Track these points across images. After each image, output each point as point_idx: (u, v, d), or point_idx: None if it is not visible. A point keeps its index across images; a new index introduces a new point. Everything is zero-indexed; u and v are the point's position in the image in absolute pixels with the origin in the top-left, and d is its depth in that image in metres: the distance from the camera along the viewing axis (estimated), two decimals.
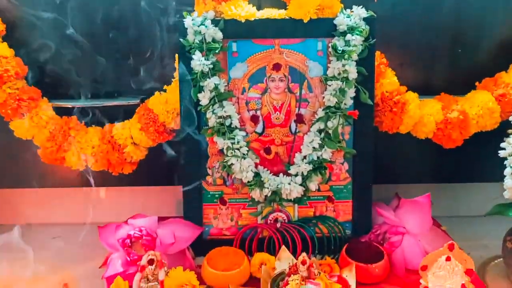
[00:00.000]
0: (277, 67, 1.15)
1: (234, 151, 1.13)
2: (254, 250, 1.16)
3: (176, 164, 1.18)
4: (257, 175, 1.15)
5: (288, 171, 1.17)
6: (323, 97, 1.14)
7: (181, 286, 1.01)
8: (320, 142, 1.15)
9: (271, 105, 1.17)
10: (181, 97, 1.13)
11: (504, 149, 1.11)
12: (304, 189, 1.16)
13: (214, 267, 1.07)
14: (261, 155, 1.18)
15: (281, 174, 1.17)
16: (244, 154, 1.14)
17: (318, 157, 1.15)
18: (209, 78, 1.10)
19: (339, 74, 1.12)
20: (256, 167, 1.16)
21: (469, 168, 1.37)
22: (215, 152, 1.17)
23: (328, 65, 1.14)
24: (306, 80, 1.15)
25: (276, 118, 1.17)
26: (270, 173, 1.17)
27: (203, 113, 1.13)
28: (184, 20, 1.10)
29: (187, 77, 1.10)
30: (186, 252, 1.12)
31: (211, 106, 1.12)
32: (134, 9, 1.21)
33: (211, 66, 1.10)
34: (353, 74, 1.11)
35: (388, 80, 1.19)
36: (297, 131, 1.18)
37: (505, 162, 1.11)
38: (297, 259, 1.01)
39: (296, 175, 1.16)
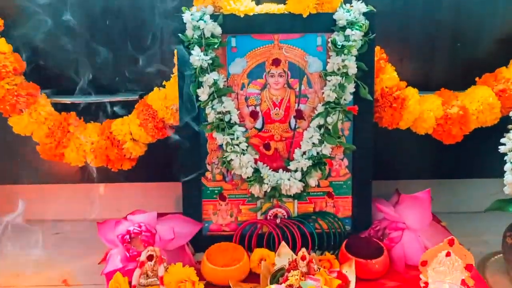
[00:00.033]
0: (276, 62, 1.14)
1: (234, 147, 1.13)
2: (253, 246, 1.16)
3: (175, 160, 1.18)
4: (256, 171, 1.15)
5: (288, 167, 1.16)
6: (323, 93, 1.14)
7: (181, 282, 1.00)
8: (320, 137, 1.14)
9: (270, 100, 1.16)
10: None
11: (504, 144, 1.11)
12: (303, 185, 1.16)
13: (214, 263, 1.07)
14: (261, 151, 1.18)
15: (280, 170, 1.17)
16: (243, 149, 1.13)
17: (317, 153, 1.15)
18: (208, 73, 1.10)
19: (338, 69, 1.12)
20: (255, 163, 1.16)
21: (469, 164, 1.37)
22: (214, 148, 1.17)
23: (328, 60, 1.13)
24: (305, 76, 1.15)
25: (276, 114, 1.17)
26: (270, 169, 1.17)
27: (202, 108, 1.12)
28: (182, 15, 1.10)
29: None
30: (186, 248, 1.12)
31: (210, 102, 1.11)
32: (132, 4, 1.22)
33: (210, 61, 1.09)
34: (352, 69, 1.11)
35: (388, 76, 1.19)
36: (296, 126, 1.17)
37: (505, 158, 1.11)
38: (296, 255, 1.01)
39: (296, 171, 1.16)
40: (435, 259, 0.96)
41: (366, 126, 1.17)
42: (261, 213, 1.20)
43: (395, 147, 1.33)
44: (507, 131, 1.12)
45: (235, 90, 1.15)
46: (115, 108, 1.23)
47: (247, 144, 1.14)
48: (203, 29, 1.09)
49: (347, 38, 1.10)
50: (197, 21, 1.09)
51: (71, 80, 1.22)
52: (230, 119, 1.13)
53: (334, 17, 1.12)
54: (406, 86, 1.21)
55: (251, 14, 1.11)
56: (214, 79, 1.10)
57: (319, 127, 1.15)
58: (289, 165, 1.16)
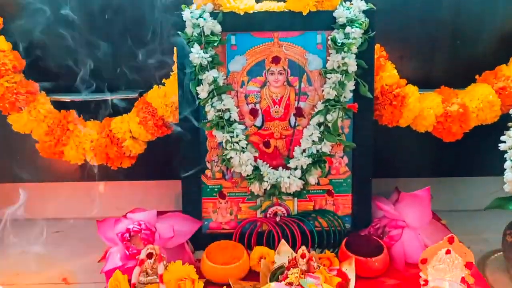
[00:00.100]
0: (276, 60, 1.14)
1: (233, 145, 1.12)
2: (253, 244, 1.16)
3: (175, 158, 1.18)
4: (256, 168, 1.15)
5: (288, 165, 1.16)
6: (323, 90, 1.14)
7: (180, 280, 1.00)
8: (320, 135, 1.14)
9: (270, 98, 1.16)
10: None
11: (504, 142, 1.11)
12: (303, 182, 1.16)
13: (214, 261, 1.07)
14: (260, 149, 1.17)
15: (280, 168, 1.17)
16: (243, 147, 1.13)
17: (317, 151, 1.15)
18: (208, 71, 1.09)
19: (338, 67, 1.11)
20: (255, 160, 1.15)
21: (469, 162, 1.37)
22: (214, 146, 1.17)
23: (328, 58, 1.13)
24: (305, 73, 1.15)
25: (276, 112, 1.17)
26: (269, 166, 1.17)
27: (202, 106, 1.12)
28: (182, 12, 1.09)
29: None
30: (185, 246, 1.12)
31: (210, 100, 1.11)
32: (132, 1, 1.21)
33: (210, 59, 1.09)
34: (352, 67, 1.11)
35: (387, 73, 1.18)
36: (296, 124, 1.17)
37: (505, 156, 1.11)
38: (296, 253, 1.01)
39: (296, 168, 1.16)
40: (435, 257, 0.96)
41: (366, 124, 1.17)
42: (260, 211, 1.20)
43: (395, 145, 1.33)
44: (507, 129, 1.12)
45: (234, 88, 1.15)
46: (115, 106, 1.23)
47: (246, 142, 1.14)
48: (202, 27, 1.09)
49: (347, 36, 1.10)
50: (197, 19, 1.09)
51: (70, 78, 1.22)
52: (230, 117, 1.12)
53: (334, 14, 1.11)
54: (406, 84, 1.21)
55: (251, 12, 1.11)
56: (213, 77, 1.10)
57: (319, 124, 1.14)
58: (289, 163, 1.16)
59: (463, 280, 0.95)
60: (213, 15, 1.10)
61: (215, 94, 1.11)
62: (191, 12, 1.09)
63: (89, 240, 1.22)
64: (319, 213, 1.20)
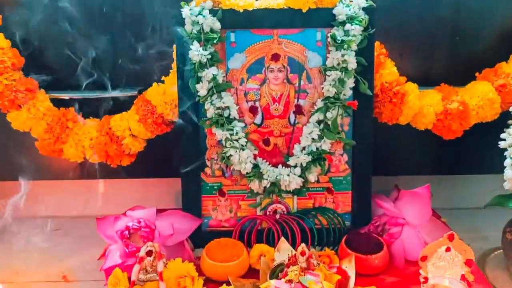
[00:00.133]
0: (275, 57, 1.14)
1: (233, 142, 1.12)
2: (253, 242, 1.16)
3: (175, 155, 1.18)
4: (256, 166, 1.15)
5: (287, 163, 1.16)
6: (322, 88, 1.13)
7: (180, 278, 1.00)
8: (319, 133, 1.14)
9: (270, 96, 1.16)
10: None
11: (504, 140, 1.11)
12: (303, 180, 1.15)
13: (213, 259, 1.06)
14: (260, 147, 1.17)
15: (280, 166, 1.17)
16: (242, 145, 1.13)
17: (317, 148, 1.14)
18: (207, 68, 1.09)
19: (338, 64, 1.11)
20: (255, 158, 1.15)
21: (469, 159, 1.37)
22: (213, 144, 1.16)
23: (327, 55, 1.13)
24: (305, 71, 1.15)
25: (275, 109, 1.17)
26: (269, 164, 1.16)
27: (202, 104, 1.12)
28: (181, 10, 1.09)
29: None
30: (185, 243, 1.12)
31: (209, 97, 1.11)
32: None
33: (209, 56, 1.09)
34: (352, 64, 1.11)
35: (387, 71, 1.18)
36: (296, 122, 1.17)
37: (505, 153, 1.11)
38: (296, 251, 1.01)
39: (295, 166, 1.15)
40: (435, 254, 0.96)
41: (366, 122, 1.16)
42: (260, 209, 1.20)
43: (394, 142, 1.33)
44: (507, 126, 1.12)
45: (234, 85, 1.14)
46: (114, 103, 1.23)
47: (246, 140, 1.14)
48: (202, 24, 1.08)
49: (346, 33, 1.10)
50: (196, 16, 1.08)
51: (69, 75, 1.22)
52: (229, 114, 1.12)
53: (334, 12, 1.11)
54: (406, 81, 1.21)
55: (251, 9, 1.11)
56: (213, 74, 1.09)
57: (319, 122, 1.14)
58: (288, 160, 1.16)
59: (463, 277, 0.95)
60: (213, 12, 1.10)
61: (215, 91, 1.11)
62: (190, 9, 1.09)
63: (89, 238, 1.22)
64: (319, 211, 1.20)
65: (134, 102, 1.21)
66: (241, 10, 1.10)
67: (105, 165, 1.23)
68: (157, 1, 1.17)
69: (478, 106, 1.20)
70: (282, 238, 1.11)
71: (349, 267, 1.04)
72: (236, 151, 1.12)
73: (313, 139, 1.14)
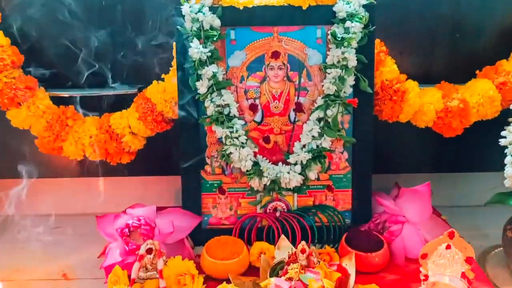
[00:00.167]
0: (276, 55, 1.14)
1: (233, 140, 1.12)
2: (253, 239, 1.16)
3: (175, 152, 1.18)
4: (256, 164, 1.15)
5: (287, 160, 1.16)
6: (323, 85, 1.13)
7: (180, 275, 1.00)
8: (320, 130, 1.14)
9: (270, 93, 1.16)
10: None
11: (504, 137, 1.11)
12: (303, 178, 1.15)
13: (213, 257, 1.06)
14: (260, 144, 1.17)
15: (280, 163, 1.16)
16: (243, 143, 1.13)
17: (317, 146, 1.14)
18: (207, 66, 1.09)
19: (338, 62, 1.11)
20: (255, 156, 1.15)
21: (469, 157, 1.37)
22: (213, 141, 1.16)
23: (328, 53, 1.13)
24: (305, 68, 1.14)
25: (275, 107, 1.16)
26: (269, 162, 1.16)
27: (202, 101, 1.12)
28: (181, 7, 1.09)
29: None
30: (185, 241, 1.12)
31: (209, 95, 1.11)
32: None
33: (209, 54, 1.09)
34: (352, 62, 1.10)
35: (388, 68, 1.18)
36: (296, 120, 1.17)
37: (506, 151, 1.11)
38: (296, 248, 1.01)
39: (295, 164, 1.15)
40: (435, 252, 0.96)
41: (366, 119, 1.16)
42: (260, 207, 1.20)
43: (395, 140, 1.32)
44: (508, 124, 1.12)
45: (234, 83, 1.14)
46: (114, 101, 1.23)
47: (246, 137, 1.13)
48: (202, 21, 1.08)
49: (347, 30, 1.10)
50: (196, 13, 1.08)
51: (69, 74, 1.22)
52: (230, 112, 1.12)
53: (334, 9, 1.11)
54: (406, 79, 1.20)
55: (250, 6, 1.10)
56: (213, 72, 1.09)
57: (319, 120, 1.14)
58: (288, 158, 1.16)
59: (463, 275, 0.94)
60: (213, 9, 1.09)
61: (215, 89, 1.10)
62: (190, 7, 1.09)
63: (89, 236, 1.22)
64: (319, 209, 1.19)
65: (134, 99, 1.21)
66: (241, 7, 1.10)
67: (105, 163, 1.23)
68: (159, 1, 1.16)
69: (478, 104, 1.20)
70: (282, 236, 1.11)
71: (349, 265, 1.04)
72: (236, 149, 1.12)
73: (313, 136, 1.14)
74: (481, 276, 1.05)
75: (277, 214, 1.18)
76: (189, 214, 1.16)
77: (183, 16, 1.09)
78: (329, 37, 1.12)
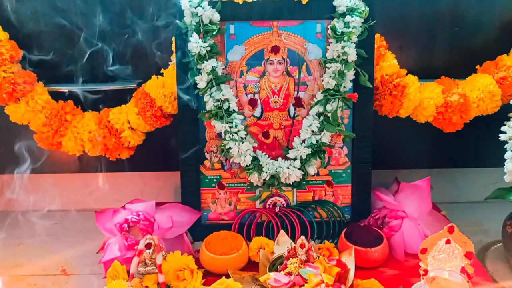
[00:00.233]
0: (275, 49, 1.13)
1: (232, 135, 1.12)
2: (252, 235, 1.16)
3: (174, 147, 1.18)
4: (255, 159, 1.14)
5: (287, 155, 1.16)
6: (322, 80, 1.13)
7: (179, 270, 1.00)
8: (319, 125, 1.13)
9: (269, 88, 1.15)
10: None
11: (504, 132, 1.10)
12: (303, 173, 1.15)
13: (213, 252, 1.06)
14: (260, 139, 1.17)
15: (279, 158, 1.16)
16: (242, 138, 1.12)
17: (317, 141, 1.14)
18: (207, 60, 1.08)
19: (338, 56, 1.10)
20: (254, 151, 1.15)
21: (469, 152, 1.37)
22: (213, 137, 1.16)
23: (327, 47, 1.12)
24: (305, 63, 1.14)
25: (275, 102, 1.16)
26: (269, 157, 1.16)
27: (201, 96, 1.11)
28: (181, 1, 1.08)
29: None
30: (184, 236, 1.12)
31: (208, 90, 1.10)
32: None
33: (209, 48, 1.08)
34: (352, 56, 1.10)
35: (388, 63, 1.18)
36: (295, 114, 1.16)
37: (506, 146, 1.10)
38: (295, 243, 1.00)
39: (295, 159, 1.15)
40: (434, 247, 0.96)
41: (366, 114, 1.16)
42: (260, 202, 1.19)
43: (395, 135, 1.32)
44: (508, 119, 1.12)
45: (233, 77, 1.14)
46: (113, 96, 1.22)
47: (246, 132, 1.13)
48: (201, 15, 1.08)
49: (347, 24, 1.09)
50: (196, 7, 1.08)
51: (68, 70, 1.21)
52: (229, 107, 1.12)
53: (334, 3, 1.11)
54: (406, 74, 1.20)
55: (250, 0, 1.10)
56: (212, 66, 1.09)
57: (319, 115, 1.14)
58: (288, 153, 1.16)
59: (463, 270, 0.94)
60: (212, 4, 1.09)
61: (214, 84, 1.10)
62: (189, 1, 1.08)
63: (88, 231, 1.22)
64: (319, 204, 1.19)
65: (133, 95, 1.20)
66: (241, 2, 1.10)
67: (104, 158, 1.22)
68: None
69: (478, 99, 1.19)
70: (282, 231, 1.11)
71: (349, 259, 1.04)
72: (235, 144, 1.12)
73: (313, 131, 1.14)
74: (480, 271, 1.05)
75: (277, 209, 1.18)
76: (188, 209, 1.16)
77: (183, 11, 1.08)
78: (329, 31, 1.11)
